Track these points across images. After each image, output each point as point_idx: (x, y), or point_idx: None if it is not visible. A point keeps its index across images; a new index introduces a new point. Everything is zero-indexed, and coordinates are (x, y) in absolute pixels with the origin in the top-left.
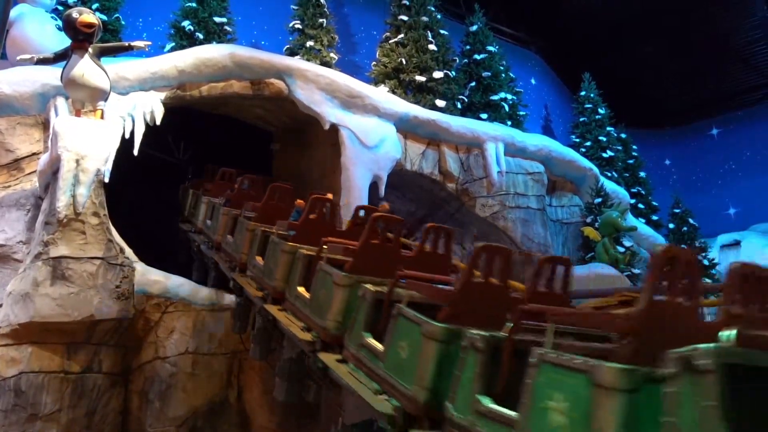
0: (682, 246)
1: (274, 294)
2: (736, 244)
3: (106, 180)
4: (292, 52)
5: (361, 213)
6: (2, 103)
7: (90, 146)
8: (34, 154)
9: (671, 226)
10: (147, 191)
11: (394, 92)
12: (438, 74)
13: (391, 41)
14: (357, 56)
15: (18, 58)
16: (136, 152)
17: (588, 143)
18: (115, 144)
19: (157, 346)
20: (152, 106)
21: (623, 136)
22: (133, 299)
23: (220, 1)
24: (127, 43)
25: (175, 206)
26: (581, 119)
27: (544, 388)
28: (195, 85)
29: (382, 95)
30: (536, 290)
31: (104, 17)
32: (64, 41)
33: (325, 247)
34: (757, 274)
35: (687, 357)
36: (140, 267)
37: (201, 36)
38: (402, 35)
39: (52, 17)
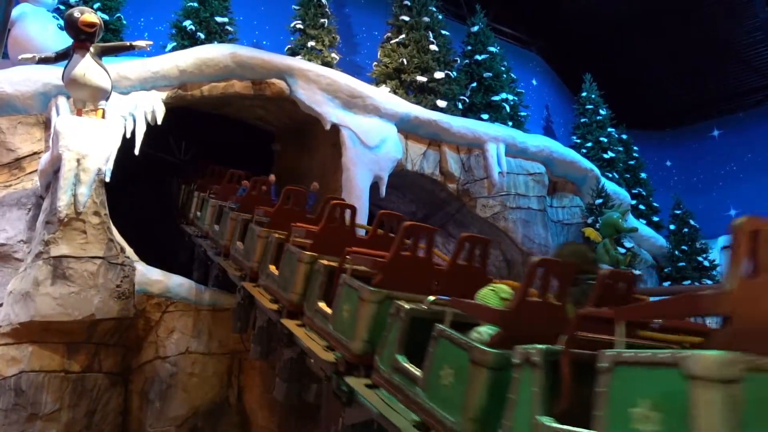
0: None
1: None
2: None
3: (107, 179)
4: (293, 52)
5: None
6: (4, 102)
7: (91, 146)
8: (35, 153)
9: (672, 227)
10: (147, 191)
11: (395, 92)
12: (439, 75)
13: (392, 41)
14: (358, 56)
15: (20, 57)
16: (137, 152)
17: (589, 144)
18: (116, 143)
19: (157, 345)
20: (153, 105)
21: (624, 137)
22: (133, 299)
23: (221, 0)
24: (128, 43)
25: (170, 201)
26: (582, 120)
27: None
28: (196, 85)
29: (383, 95)
30: (457, 263)
31: (106, 17)
32: (65, 41)
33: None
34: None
35: (526, 353)
36: (141, 266)
37: (202, 36)
38: (403, 36)
39: (53, 17)
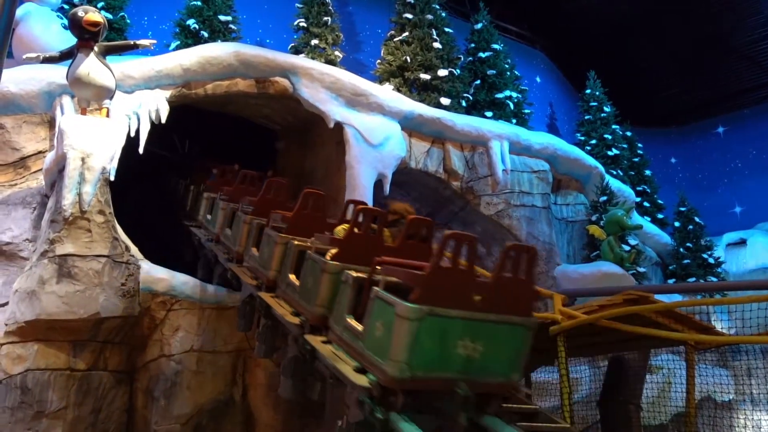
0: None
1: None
2: (742, 242)
3: (112, 178)
4: (296, 51)
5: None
6: (8, 101)
7: (95, 144)
8: (40, 152)
9: (677, 224)
10: (152, 189)
11: (398, 90)
12: (443, 72)
13: (395, 39)
14: (362, 54)
15: (24, 56)
16: (141, 150)
17: (593, 141)
18: (121, 142)
19: (162, 344)
20: (157, 104)
21: (629, 134)
22: (138, 297)
23: None
24: (132, 42)
25: (174, 199)
26: (586, 117)
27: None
28: (200, 84)
29: (386, 93)
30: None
31: (110, 16)
32: (69, 40)
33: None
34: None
35: (346, 275)
36: (145, 265)
37: (206, 34)
38: (407, 33)
39: (57, 16)
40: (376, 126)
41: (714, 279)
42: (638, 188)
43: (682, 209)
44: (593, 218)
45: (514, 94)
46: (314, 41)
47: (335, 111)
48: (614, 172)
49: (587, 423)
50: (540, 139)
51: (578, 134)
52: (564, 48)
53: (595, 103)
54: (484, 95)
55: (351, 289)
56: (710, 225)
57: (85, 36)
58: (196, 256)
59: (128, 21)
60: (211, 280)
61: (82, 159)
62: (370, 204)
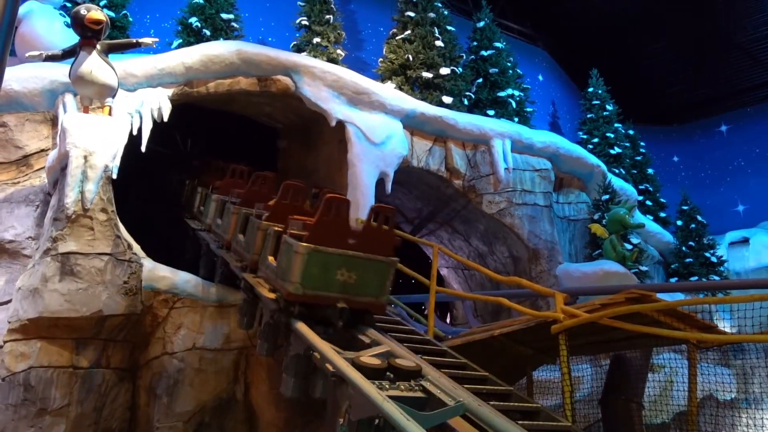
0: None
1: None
2: (745, 241)
3: (114, 176)
4: (298, 49)
5: None
6: (11, 99)
7: (98, 142)
8: (42, 150)
9: (679, 223)
10: (154, 188)
11: (400, 89)
12: (445, 71)
13: (397, 38)
14: (364, 53)
15: (27, 55)
16: (143, 149)
17: (595, 140)
18: (123, 140)
19: (164, 341)
20: (159, 102)
21: (631, 132)
22: (140, 295)
23: None
24: (134, 40)
25: (177, 198)
26: (589, 116)
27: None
28: (202, 82)
29: (388, 92)
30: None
31: (112, 14)
32: (72, 38)
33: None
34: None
35: (265, 227)
36: (148, 263)
37: (208, 33)
38: (409, 32)
39: (60, 14)
40: (378, 124)
41: (716, 278)
42: (640, 187)
43: (685, 208)
44: (595, 217)
45: (516, 93)
46: (316, 39)
47: (337, 109)
48: (616, 171)
49: (589, 421)
50: (542, 137)
51: (580, 132)
52: (566, 46)
53: (597, 102)
54: (486, 93)
55: (273, 238)
56: (713, 223)
57: (88, 34)
58: (198, 254)
59: (130, 19)
60: (213, 278)
61: (85, 157)
62: (372, 202)
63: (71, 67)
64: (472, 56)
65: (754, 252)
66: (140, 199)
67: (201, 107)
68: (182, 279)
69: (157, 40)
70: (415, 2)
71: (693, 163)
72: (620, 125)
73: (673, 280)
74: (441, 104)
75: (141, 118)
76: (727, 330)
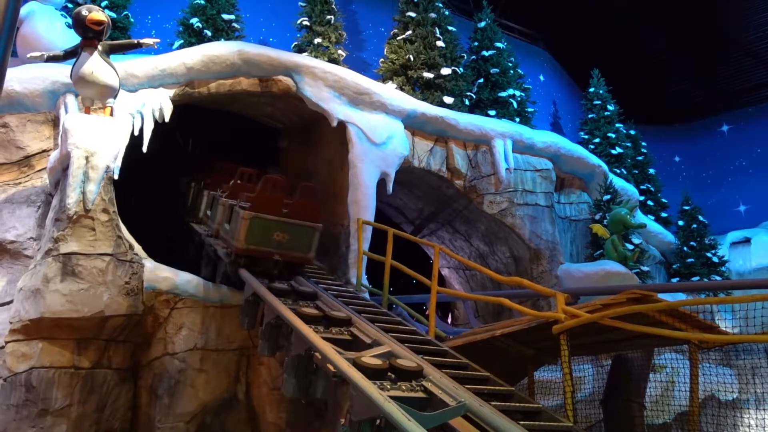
0: None
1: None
2: (746, 241)
3: (116, 177)
4: (300, 49)
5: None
6: (13, 100)
7: (99, 143)
8: (44, 151)
9: (680, 223)
10: (156, 188)
11: (401, 89)
12: (446, 71)
13: (399, 38)
14: (365, 53)
15: (28, 55)
16: (145, 149)
17: (597, 140)
18: (125, 141)
19: (166, 342)
20: (161, 103)
21: (632, 132)
22: (142, 295)
23: None
24: (136, 41)
25: (181, 203)
26: (590, 116)
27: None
28: (203, 82)
29: (389, 92)
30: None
31: (113, 15)
32: (73, 39)
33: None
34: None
35: (227, 203)
36: (149, 263)
37: (209, 33)
38: (410, 32)
39: (62, 15)
40: (379, 125)
41: (718, 278)
42: (642, 187)
43: (686, 208)
44: (597, 217)
45: (518, 93)
46: (317, 40)
47: (338, 109)
48: (618, 171)
49: (590, 422)
50: (543, 137)
51: (582, 132)
52: (567, 46)
53: (598, 102)
54: (488, 94)
55: (226, 208)
56: (714, 224)
57: (89, 35)
58: (200, 255)
59: (132, 20)
60: (215, 278)
61: (86, 158)
62: (373, 203)
63: (73, 68)
64: (473, 56)
65: (755, 252)
66: (142, 199)
67: (202, 108)
68: (183, 279)
69: (158, 40)
70: (416, 2)
71: (694, 163)
72: (621, 125)
73: (674, 280)
74: (442, 104)
75: (142, 118)
76: (729, 330)
